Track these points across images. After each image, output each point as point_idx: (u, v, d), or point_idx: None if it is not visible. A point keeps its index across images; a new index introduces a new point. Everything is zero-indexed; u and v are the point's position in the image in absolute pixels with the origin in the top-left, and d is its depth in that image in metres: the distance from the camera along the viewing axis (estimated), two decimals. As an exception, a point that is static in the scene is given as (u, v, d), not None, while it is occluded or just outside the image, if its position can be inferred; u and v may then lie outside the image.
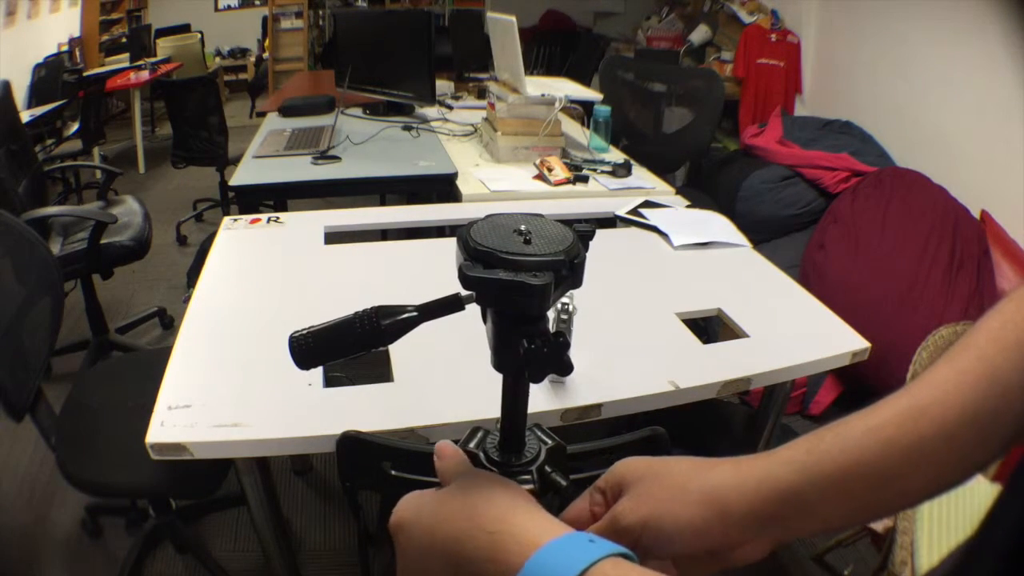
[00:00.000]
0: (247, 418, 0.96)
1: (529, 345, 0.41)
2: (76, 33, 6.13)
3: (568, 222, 0.45)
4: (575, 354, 0.43)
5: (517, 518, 0.38)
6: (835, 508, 0.40)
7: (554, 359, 0.42)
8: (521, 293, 0.39)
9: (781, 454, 0.42)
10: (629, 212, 1.75)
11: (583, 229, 0.45)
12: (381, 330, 0.44)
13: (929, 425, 0.39)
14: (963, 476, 0.41)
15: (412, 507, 0.43)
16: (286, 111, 2.68)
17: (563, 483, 0.47)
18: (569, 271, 0.41)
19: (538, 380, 0.43)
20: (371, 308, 0.44)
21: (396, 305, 0.44)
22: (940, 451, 0.39)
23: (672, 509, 0.42)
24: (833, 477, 0.40)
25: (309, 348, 0.45)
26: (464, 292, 0.42)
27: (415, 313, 0.44)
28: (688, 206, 1.82)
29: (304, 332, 0.45)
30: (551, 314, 0.52)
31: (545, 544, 0.35)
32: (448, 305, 0.43)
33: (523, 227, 0.43)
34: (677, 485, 0.43)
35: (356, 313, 0.44)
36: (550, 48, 5.23)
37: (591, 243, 0.45)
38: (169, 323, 2.87)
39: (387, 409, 0.98)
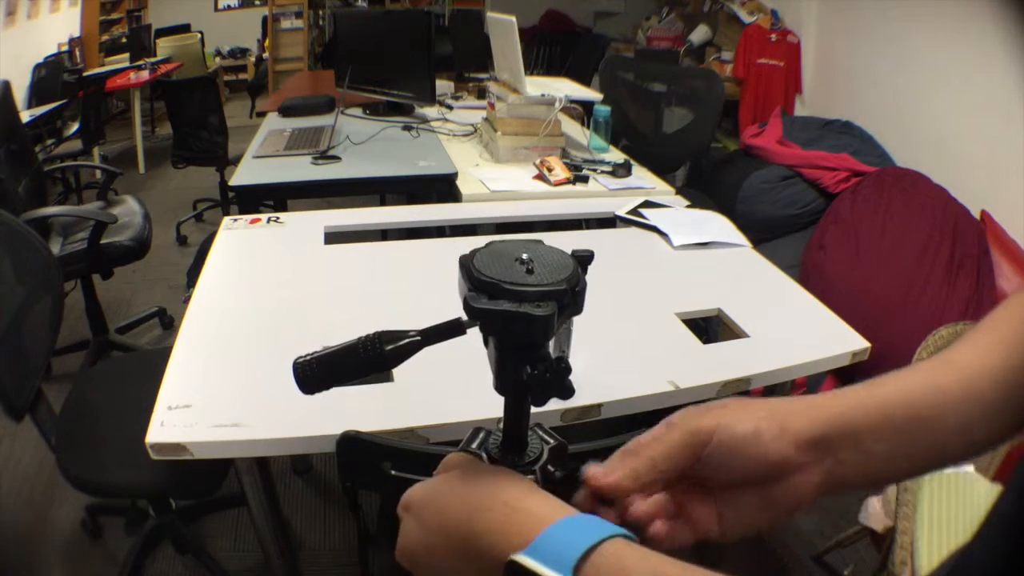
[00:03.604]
0: (247, 418, 0.96)
1: (532, 371, 0.42)
2: (76, 33, 6.13)
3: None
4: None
5: (533, 497, 0.40)
6: (879, 441, 0.43)
7: (556, 384, 0.42)
8: (525, 323, 0.40)
9: (843, 390, 0.46)
10: (629, 212, 1.75)
11: (582, 254, 0.45)
12: (384, 355, 0.44)
13: (957, 375, 0.44)
14: (992, 435, 0.44)
15: (423, 489, 0.45)
16: (286, 111, 2.68)
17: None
18: (571, 299, 0.42)
19: (540, 404, 0.44)
20: (374, 333, 0.44)
21: (398, 330, 0.45)
22: (970, 400, 0.44)
23: (742, 418, 0.44)
24: (879, 406, 0.44)
25: (313, 374, 0.45)
26: (465, 317, 0.43)
27: (417, 338, 0.45)
28: (688, 206, 1.82)
29: (308, 358, 0.45)
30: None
31: (558, 520, 0.37)
32: (450, 330, 0.44)
33: (525, 255, 0.44)
34: (748, 406, 0.46)
35: (359, 338, 0.45)
36: (550, 48, 5.23)
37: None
38: (169, 323, 2.87)
39: (387, 409, 0.98)
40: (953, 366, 0.45)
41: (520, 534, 0.37)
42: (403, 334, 0.44)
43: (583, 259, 0.45)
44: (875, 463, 0.44)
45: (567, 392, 0.43)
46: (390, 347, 0.44)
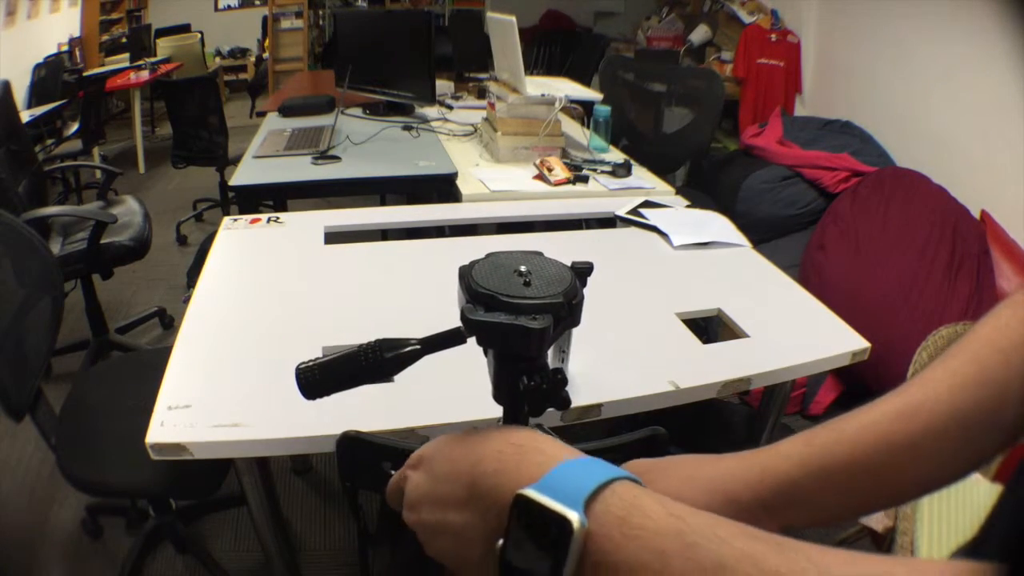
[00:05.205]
0: (247, 418, 0.96)
1: (528, 382, 0.42)
2: (76, 33, 6.14)
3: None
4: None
5: (546, 439, 0.40)
6: (832, 498, 0.43)
7: (553, 395, 0.43)
8: (521, 336, 0.40)
9: (781, 447, 0.45)
10: (629, 212, 1.75)
11: (581, 267, 0.46)
12: (385, 363, 0.45)
13: (921, 424, 0.42)
14: (956, 474, 0.43)
15: (433, 443, 0.44)
16: (286, 111, 2.68)
17: None
18: (568, 312, 0.43)
19: (537, 414, 0.44)
20: (375, 341, 0.45)
21: (399, 338, 0.45)
22: (932, 448, 0.42)
23: (681, 497, 0.45)
24: (829, 470, 0.43)
25: (315, 380, 0.46)
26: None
27: (418, 346, 0.45)
28: (688, 206, 1.82)
29: (310, 364, 0.46)
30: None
31: (569, 459, 0.36)
32: (450, 338, 0.44)
33: (523, 268, 0.44)
34: (685, 476, 0.46)
35: (360, 346, 0.45)
36: (550, 48, 5.22)
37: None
38: (169, 323, 2.87)
39: (387, 409, 0.98)
40: (906, 415, 0.43)
41: (529, 472, 0.36)
42: (404, 342, 0.45)
43: (582, 272, 0.45)
44: (827, 513, 0.45)
45: (563, 403, 0.44)
46: (391, 354, 0.45)
